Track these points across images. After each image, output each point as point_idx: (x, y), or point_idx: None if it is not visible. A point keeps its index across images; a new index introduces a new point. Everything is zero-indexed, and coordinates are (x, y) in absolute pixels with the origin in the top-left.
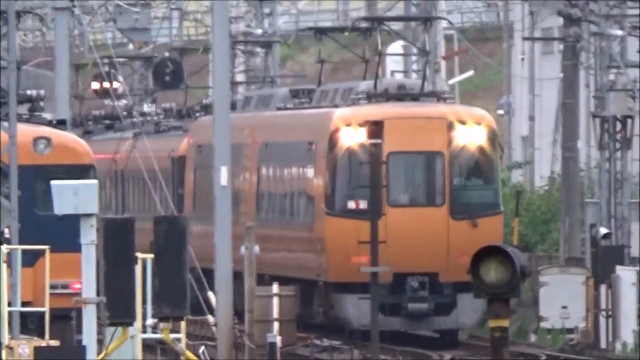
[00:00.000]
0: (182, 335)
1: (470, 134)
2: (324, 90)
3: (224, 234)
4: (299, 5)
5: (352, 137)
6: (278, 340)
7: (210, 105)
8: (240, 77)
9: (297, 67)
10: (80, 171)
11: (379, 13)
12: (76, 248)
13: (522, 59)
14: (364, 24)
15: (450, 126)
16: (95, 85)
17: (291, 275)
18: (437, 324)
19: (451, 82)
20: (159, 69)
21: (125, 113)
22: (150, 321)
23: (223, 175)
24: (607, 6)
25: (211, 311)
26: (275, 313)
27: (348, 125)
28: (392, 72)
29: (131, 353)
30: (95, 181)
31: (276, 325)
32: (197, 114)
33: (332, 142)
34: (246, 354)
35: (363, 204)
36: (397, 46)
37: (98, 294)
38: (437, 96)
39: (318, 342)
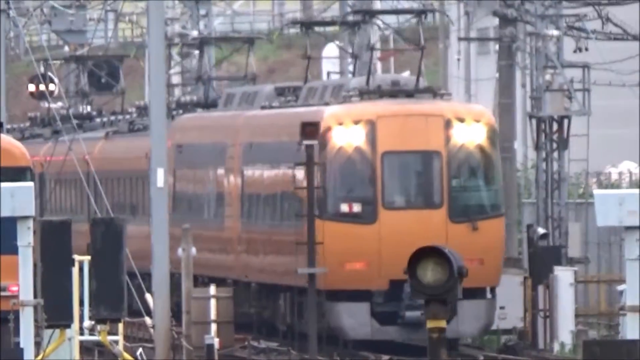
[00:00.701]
0: (119, 337)
1: (469, 132)
2: (312, 87)
3: (161, 235)
4: (235, 6)
5: (345, 137)
6: (216, 342)
7: (189, 103)
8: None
9: (232, 69)
10: (16, 173)
11: (314, 14)
12: (13, 250)
13: (458, 60)
14: (352, 18)
15: (448, 124)
16: (31, 87)
17: (279, 283)
18: None
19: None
20: (95, 71)
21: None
22: (87, 323)
23: (160, 177)
24: (542, 6)
25: (149, 313)
26: (213, 315)
27: (340, 124)
28: (328, 73)
29: (69, 355)
30: (31, 183)
31: (214, 327)
32: (174, 112)
33: (323, 142)
34: (184, 356)
35: (357, 207)
36: (332, 47)
37: (35, 297)
38: (433, 92)
39: (255, 343)
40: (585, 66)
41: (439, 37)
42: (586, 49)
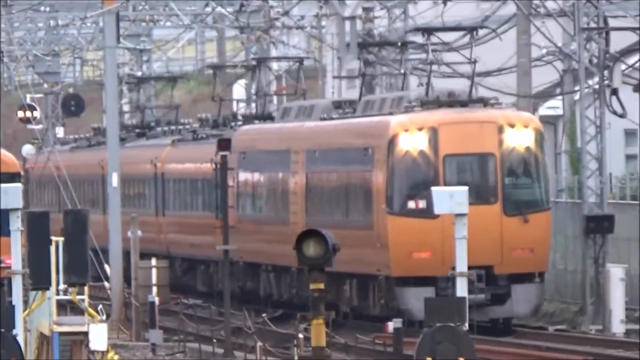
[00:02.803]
0: (85, 297)
1: (519, 136)
2: (369, 100)
3: (116, 221)
4: (169, 53)
5: (410, 142)
6: (156, 300)
7: (249, 116)
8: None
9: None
10: (9, 178)
11: (227, 58)
12: (7, 234)
13: (333, 93)
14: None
15: (500, 129)
16: (20, 114)
17: (347, 271)
18: (494, 313)
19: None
20: (66, 102)
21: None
22: (61, 286)
23: (114, 179)
24: (393, 52)
25: (107, 279)
26: (154, 280)
27: (406, 130)
28: (237, 101)
29: (48, 310)
30: (19, 184)
31: (155, 289)
32: (232, 124)
33: (392, 147)
34: (133, 311)
35: (422, 204)
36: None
37: (23, 267)
38: (485, 102)
39: (185, 301)
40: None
41: (319, 76)
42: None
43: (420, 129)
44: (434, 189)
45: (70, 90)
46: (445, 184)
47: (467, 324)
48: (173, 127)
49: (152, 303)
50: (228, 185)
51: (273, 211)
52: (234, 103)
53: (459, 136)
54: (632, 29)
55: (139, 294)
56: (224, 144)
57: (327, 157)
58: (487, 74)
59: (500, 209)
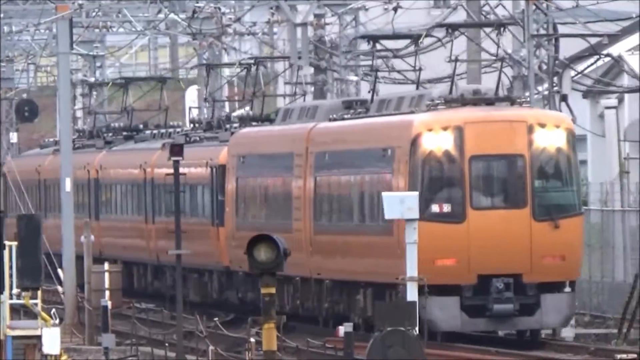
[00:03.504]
0: (38, 301)
1: (550, 137)
2: (383, 99)
3: (69, 226)
4: (122, 59)
5: (434, 142)
6: (109, 304)
7: (246, 118)
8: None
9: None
10: None
11: (179, 64)
12: None
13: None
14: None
15: (530, 129)
16: None
17: (361, 279)
18: (522, 324)
19: (234, 114)
20: (20, 108)
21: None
22: (15, 290)
23: (67, 184)
24: (345, 59)
25: (60, 283)
26: (107, 284)
27: (430, 130)
28: (190, 108)
29: (1, 314)
30: None
31: (107, 293)
32: (227, 126)
33: (415, 147)
34: (86, 314)
35: (447, 207)
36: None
37: None
38: (512, 100)
39: (138, 305)
40: None
41: (270, 82)
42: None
43: (445, 128)
44: (384, 194)
45: (24, 96)
46: (471, 187)
47: (417, 328)
48: (163, 131)
49: (105, 307)
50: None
51: (275, 217)
52: (187, 109)
53: (486, 136)
54: (581, 36)
55: (92, 298)
56: (177, 150)
57: (340, 159)
58: (439, 80)
59: (530, 214)
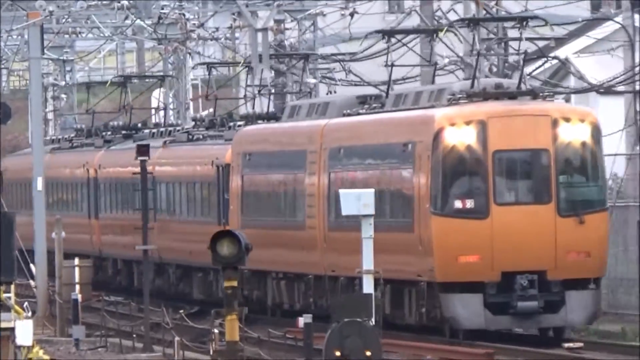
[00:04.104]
0: (12, 295)
1: (575, 131)
2: (399, 94)
3: (41, 223)
4: (90, 64)
5: (457, 136)
6: (79, 297)
7: (251, 115)
8: (50, 115)
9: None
10: None
11: (146, 68)
12: None
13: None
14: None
15: (555, 123)
16: None
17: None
18: (546, 321)
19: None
20: None
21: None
22: None
23: (39, 183)
24: (304, 62)
25: (33, 277)
26: (77, 278)
27: (452, 124)
28: (156, 109)
29: None
30: None
31: (77, 287)
32: (230, 124)
33: (436, 142)
34: (57, 307)
35: (470, 203)
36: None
37: None
38: (535, 94)
39: (107, 298)
40: None
41: (232, 85)
42: (335, 92)
43: (468, 123)
44: (340, 191)
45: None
46: (495, 182)
47: (373, 319)
48: (162, 129)
49: (75, 300)
50: (147, 189)
51: (286, 215)
52: (153, 111)
53: (510, 130)
54: (530, 39)
55: (63, 291)
56: (143, 150)
57: (356, 154)
58: (395, 82)
59: (554, 209)
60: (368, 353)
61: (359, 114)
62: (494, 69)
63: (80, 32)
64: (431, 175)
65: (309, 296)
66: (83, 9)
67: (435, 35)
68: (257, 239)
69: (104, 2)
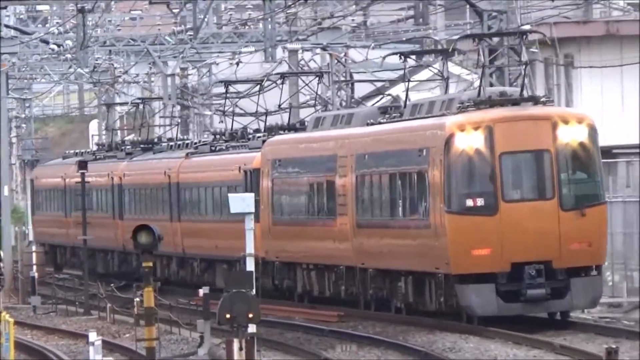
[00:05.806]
0: None
1: (573, 132)
2: (415, 104)
3: (6, 221)
4: (44, 101)
5: (466, 141)
6: (36, 275)
7: (276, 127)
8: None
9: (42, 134)
10: None
11: (85, 104)
12: None
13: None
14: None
15: (555, 125)
16: None
17: (402, 268)
18: (554, 307)
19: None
20: None
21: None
22: None
23: (5, 190)
24: (202, 99)
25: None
26: (34, 260)
27: (462, 130)
28: (92, 135)
29: None
30: None
31: (35, 267)
32: (250, 136)
33: (448, 147)
34: (20, 283)
35: (480, 201)
36: (94, 122)
37: None
38: (536, 100)
39: (57, 275)
40: None
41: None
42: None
43: (476, 128)
44: (229, 195)
45: None
46: (502, 181)
47: (254, 290)
48: (180, 142)
49: (33, 277)
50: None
51: (316, 213)
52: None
53: (514, 134)
54: (370, 81)
55: (24, 271)
56: (83, 165)
57: (379, 159)
58: (270, 113)
59: (557, 204)
60: (250, 315)
61: (380, 123)
62: (344, 103)
63: (35, 78)
64: (444, 177)
65: (340, 285)
66: (38, 61)
67: (448, 54)
68: (286, 233)
69: (53, 55)
